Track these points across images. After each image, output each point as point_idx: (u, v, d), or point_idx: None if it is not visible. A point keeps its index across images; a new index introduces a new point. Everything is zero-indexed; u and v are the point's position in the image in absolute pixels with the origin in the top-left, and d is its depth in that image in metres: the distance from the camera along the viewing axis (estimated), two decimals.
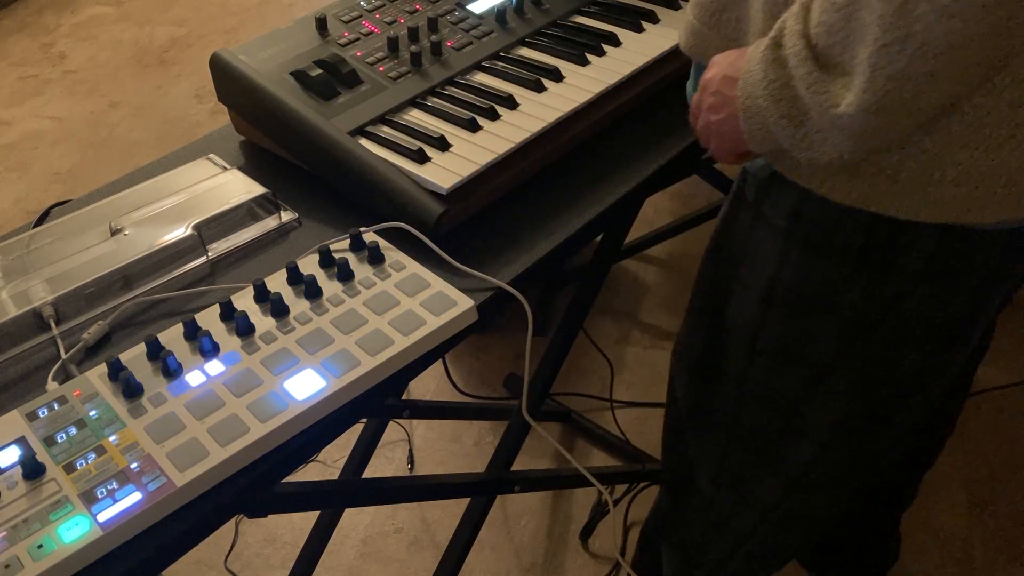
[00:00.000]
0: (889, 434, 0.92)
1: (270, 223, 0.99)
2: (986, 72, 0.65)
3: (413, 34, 1.09)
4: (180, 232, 0.94)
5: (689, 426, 1.05)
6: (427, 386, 1.90)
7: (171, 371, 0.79)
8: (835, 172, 0.75)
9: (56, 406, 0.77)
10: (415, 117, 1.02)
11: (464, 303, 0.85)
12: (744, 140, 0.75)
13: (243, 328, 0.83)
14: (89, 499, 0.70)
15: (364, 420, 1.48)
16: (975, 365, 1.14)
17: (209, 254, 0.95)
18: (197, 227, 0.95)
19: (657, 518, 1.22)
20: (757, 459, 0.96)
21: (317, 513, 1.50)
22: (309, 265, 0.90)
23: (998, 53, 0.63)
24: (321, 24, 1.10)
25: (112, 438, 0.74)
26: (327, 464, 1.74)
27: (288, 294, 0.87)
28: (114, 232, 0.96)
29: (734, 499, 1.03)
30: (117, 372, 0.79)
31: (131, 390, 0.77)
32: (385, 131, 1.00)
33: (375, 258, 0.89)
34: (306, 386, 0.78)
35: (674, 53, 1.10)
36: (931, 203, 0.72)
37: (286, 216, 0.99)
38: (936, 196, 0.71)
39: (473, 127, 1.00)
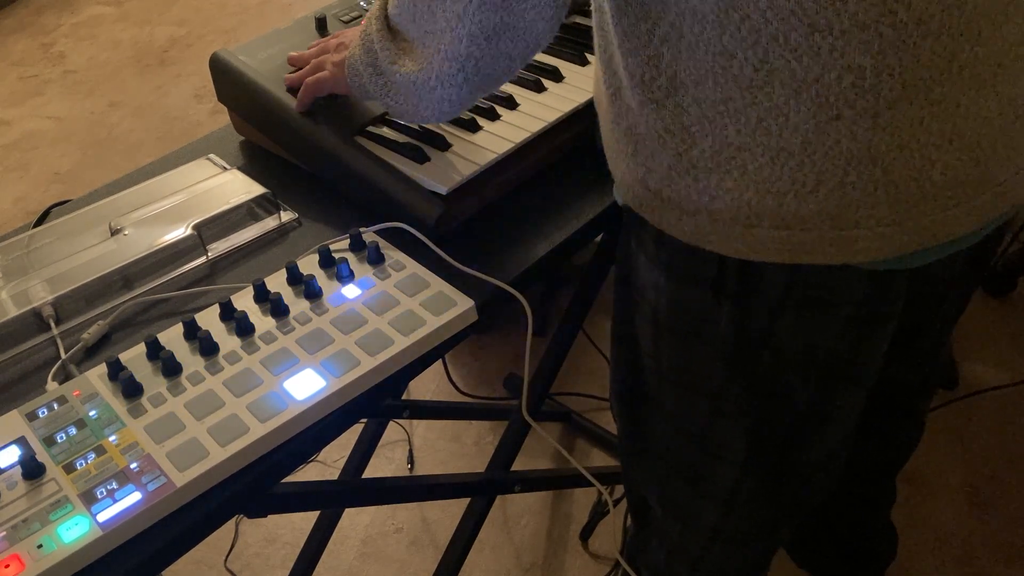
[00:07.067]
0: (809, 457, 0.90)
1: (270, 223, 0.99)
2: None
3: None
4: (180, 232, 0.94)
5: (631, 454, 1.05)
6: (427, 386, 1.90)
7: (171, 371, 0.79)
8: (670, 209, 0.74)
9: (56, 406, 0.77)
10: None
11: (464, 303, 0.85)
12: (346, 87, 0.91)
13: (243, 328, 0.83)
14: (89, 499, 0.70)
15: (364, 420, 1.49)
16: (935, 369, 1.11)
17: (209, 254, 0.95)
18: (197, 227, 0.95)
19: (628, 543, 1.22)
20: (690, 484, 0.95)
21: (317, 513, 1.50)
22: (309, 265, 0.90)
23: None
24: (321, 24, 1.10)
25: (112, 438, 0.74)
26: (327, 464, 1.74)
27: (288, 294, 0.87)
28: (114, 232, 0.96)
29: (680, 524, 1.02)
30: (117, 372, 0.79)
31: (131, 390, 0.77)
32: (385, 131, 0.99)
33: (375, 258, 0.89)
34: (306, 386, 0.78)
35: None
36: (754, 243, 0.71)
37: (286, 216, 0.99)
38: (759, 237, 0.70)
39: (473, 127, 1.00)
